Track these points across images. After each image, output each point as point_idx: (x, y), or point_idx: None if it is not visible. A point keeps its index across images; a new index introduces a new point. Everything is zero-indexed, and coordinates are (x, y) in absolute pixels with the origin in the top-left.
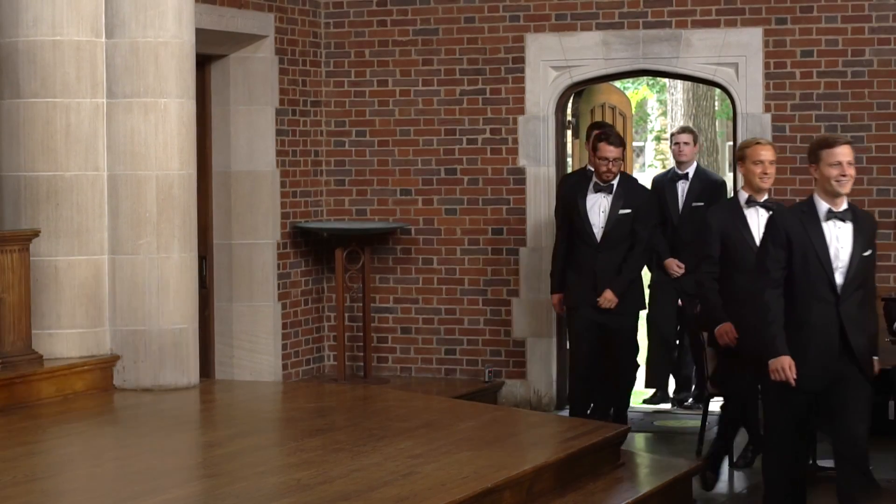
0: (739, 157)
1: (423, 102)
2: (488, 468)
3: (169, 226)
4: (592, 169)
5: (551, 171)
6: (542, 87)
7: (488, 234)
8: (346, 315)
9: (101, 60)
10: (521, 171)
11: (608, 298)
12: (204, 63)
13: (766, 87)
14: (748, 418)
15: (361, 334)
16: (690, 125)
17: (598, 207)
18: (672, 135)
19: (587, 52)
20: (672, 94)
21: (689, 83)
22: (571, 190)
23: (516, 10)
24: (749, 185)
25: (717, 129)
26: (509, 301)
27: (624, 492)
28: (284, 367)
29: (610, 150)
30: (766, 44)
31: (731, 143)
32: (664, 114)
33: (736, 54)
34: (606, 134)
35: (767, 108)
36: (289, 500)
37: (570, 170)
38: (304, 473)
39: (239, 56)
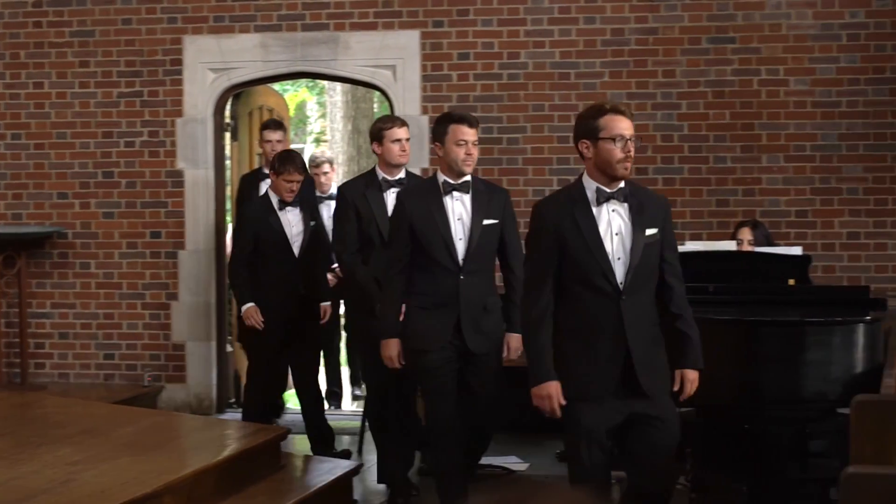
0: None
1: (79, 105)
2: (148, 473)
3: None
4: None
5: (210, 174)
6: (201, 89)
7: (146, 238)
8: (3, 321)
9: None
10: (180, 174)
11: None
12: None
13: (424, 89)
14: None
15: (18, 340)
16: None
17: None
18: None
19: (245, 54)
20: (331, 96)
21: (349, 85)
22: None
23: (174, 11)
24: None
25: None
26: (168, 305)
27: (285, 493)
28: None
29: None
30: (423, 46)
31: None
32: (324, 116)
33: (393, 57)
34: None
35: (425, 111)
36: None
37: (229, 172)
38: None
39: None
